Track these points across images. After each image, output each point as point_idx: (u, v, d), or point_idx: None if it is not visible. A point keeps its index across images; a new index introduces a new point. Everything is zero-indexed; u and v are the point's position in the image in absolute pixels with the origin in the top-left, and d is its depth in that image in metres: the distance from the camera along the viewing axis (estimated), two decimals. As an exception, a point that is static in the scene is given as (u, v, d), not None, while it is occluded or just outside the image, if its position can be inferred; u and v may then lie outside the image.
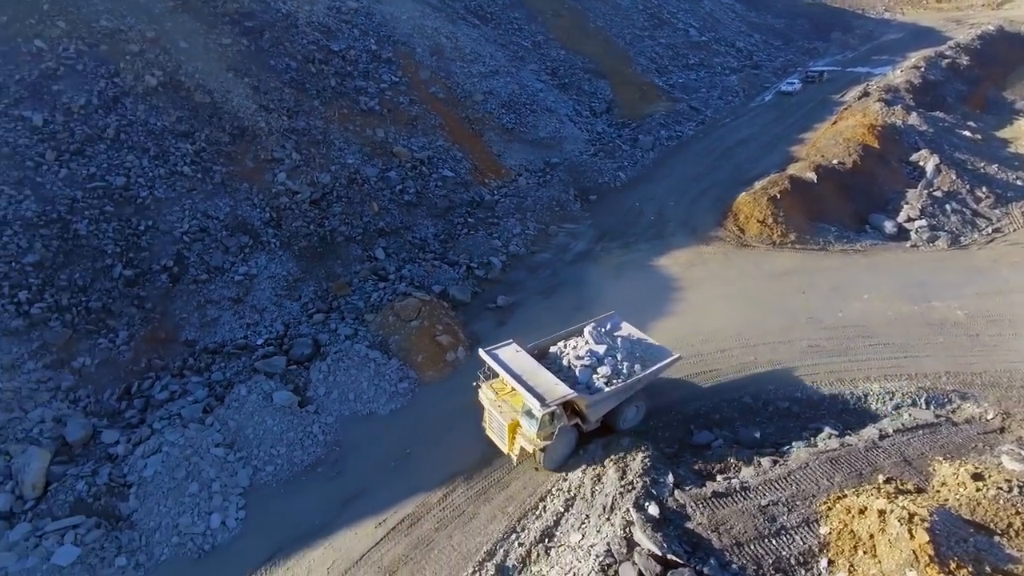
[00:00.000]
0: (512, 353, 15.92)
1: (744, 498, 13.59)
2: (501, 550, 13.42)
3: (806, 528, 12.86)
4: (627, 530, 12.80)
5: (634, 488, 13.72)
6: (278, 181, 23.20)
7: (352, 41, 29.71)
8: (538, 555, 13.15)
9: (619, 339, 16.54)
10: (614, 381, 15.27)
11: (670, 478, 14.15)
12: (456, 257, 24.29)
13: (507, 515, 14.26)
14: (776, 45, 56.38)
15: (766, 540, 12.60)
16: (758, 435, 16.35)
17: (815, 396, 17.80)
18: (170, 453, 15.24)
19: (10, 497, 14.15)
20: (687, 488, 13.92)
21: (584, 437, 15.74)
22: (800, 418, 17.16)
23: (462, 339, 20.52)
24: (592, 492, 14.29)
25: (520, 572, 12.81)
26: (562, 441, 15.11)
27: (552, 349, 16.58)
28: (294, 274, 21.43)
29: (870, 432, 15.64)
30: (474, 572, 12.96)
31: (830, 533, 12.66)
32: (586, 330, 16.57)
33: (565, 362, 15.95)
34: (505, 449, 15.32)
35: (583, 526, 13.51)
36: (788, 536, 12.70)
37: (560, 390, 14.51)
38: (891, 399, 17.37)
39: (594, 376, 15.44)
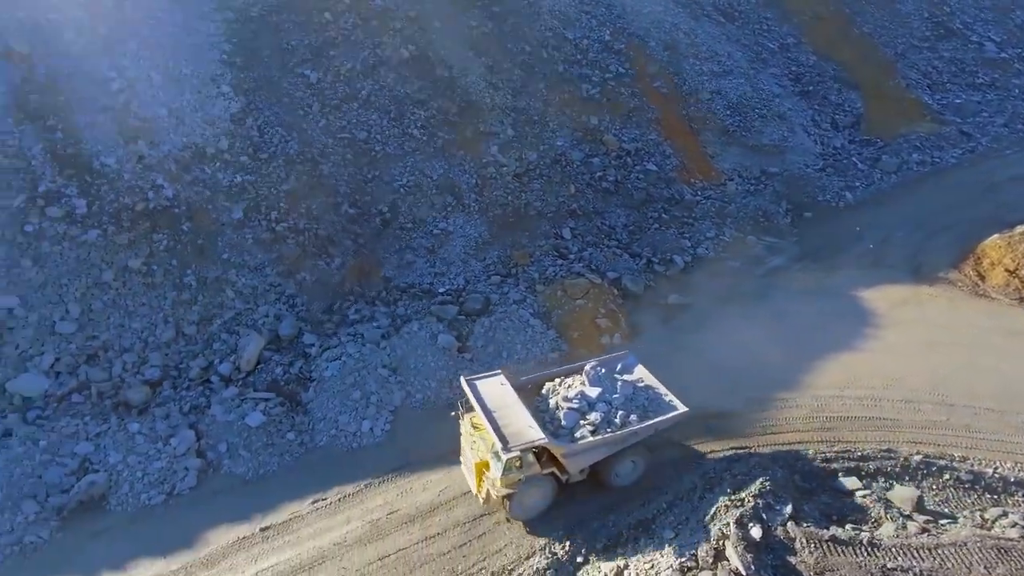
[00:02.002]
0: (495, 385, 14.53)
1: (868, 554, 12.25)
2: (596, 521, 13.77)
3: (930, 608, 11.27)
4: (720, 542, 12.37)
5: (743, 505, 13.11)
6: (490, 153, 25.37)
7: (587, 31, 30.89)
8: (626, 539, 13.27)
9: (620, 384, 14.63)
10: (604, 430, 13.54)
11: (788, 508, 13.24)
12: (640, 249, 24.43)
13: (615, 493, 14.49)
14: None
15: (873, 602, 11.32)
16: (918, 497, 14.40)
17: (1012, 478, 15.04)
18: (346, 363, 18.06)
19: (231, 366, 17.97)
20: (804, 524, 12.92)
21: (571, 488, 14.00)
22: (982, 495, 14.70)
23: (622, 327, 20.82)
24: (700, 498, 13.93)
25: (602, 550, 13.06)
26: (532, 492, 13.48)
27: (548, 385, 15.08)
28: (484, 237, 23.44)
29: (1067, 533, 12.90)
30: (563, 533, 13.51)
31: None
32: (585, 369, 14.93)
33: (552, 403, 14.39)
34: (473, 490, 14.06)
35: (679, 526, 13.30)
36: (902, 608, 11.26)
37: (531, 434, 12.97)
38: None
39: (581, 422, 13.78)
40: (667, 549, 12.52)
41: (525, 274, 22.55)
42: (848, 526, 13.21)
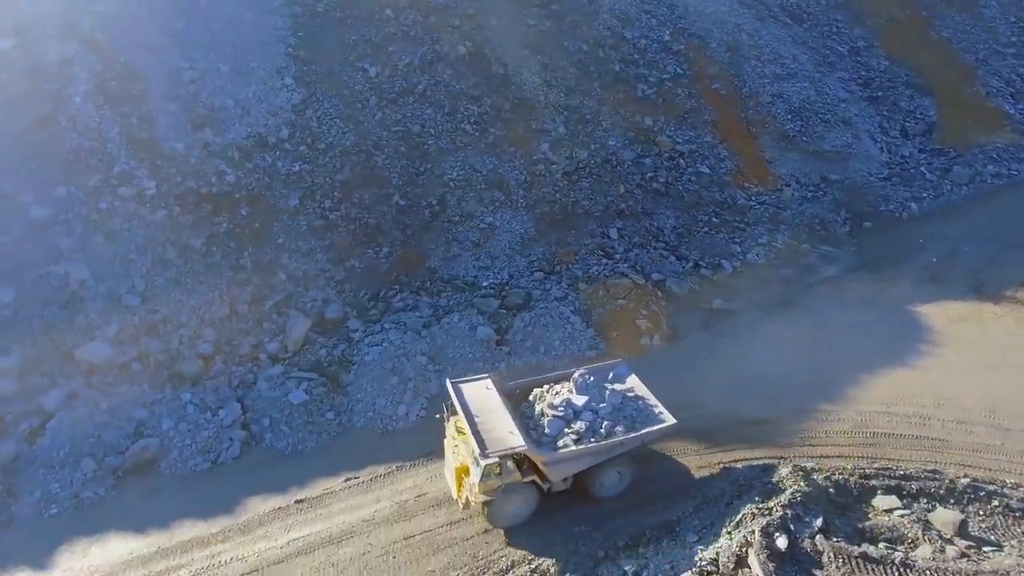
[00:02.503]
0: (480, 389, 14.25)
1: (899, 575, 11.83)
2: (621, 518, 13.78)
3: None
4: (743, 549, 12.18)
5: (771, 514, 12.85)
6: (541, 150, 25.52)
7: (646, 31, 30.62)
8: (648, 539, 13.23)
9: (608, 393, 14.24)
10: (588, 440, 13.22)
11: (818, 521, 12.89)
12: (687, 252, 24.11)
13: (642, 492, 14.45)
14: None
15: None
16: (961, 521, 13.76)
17: (1069, 509, 14.18)
18: (387, 349, 18.58)
19: (279, 346, 18.78)
20: (834, 539, 12.57)
21: (556, 498, 13.70)
22: (1032, 525, 13.92)
23: (663, 328, 20.65)
24: (728, 504, 13.73)
25: (624, 547, 13.06)
26: (512, 499, 13.22)
27: (536, 392, 14.73)
28: (530, 234, 23.61)
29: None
30: (586, 528, 13.58)
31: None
32: (573, 376, 14.57)
33: (538, 409, 14.10)
34: (453, 494, 13.80)
35: (703, 530, 13.16)
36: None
37: (511, 440, 12.66)
38: None
39: (566, 430, 13.47)
40: (688, 552, 12.42)
41: (568, 272, 22.61)
42: (881, 544, 12.76)
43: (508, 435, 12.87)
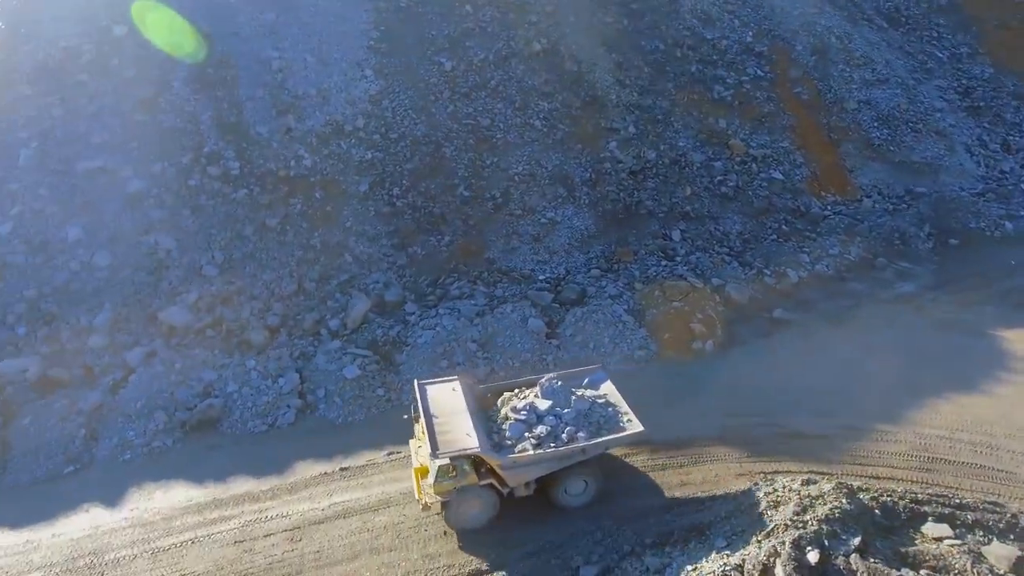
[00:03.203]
0: (446, 391, 14.15)
1: (939, 603, 11.29)
2: (652, 517, 13.76)
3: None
4: (771, 560, 11.93)
5: (805, 527, 12.51)
6: (608, 148, 25.53)
7: (728, 31, 29.94)
8: (676, 540, 13.17)
9: (574, 398, 13.92)
10: (548, 445, 12.99)
11: (856, 540, 12.42)
12: (752, 259, 23.49)
13: (676, 494, 14.39)
14: None
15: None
16: (1018, 557, 12.91)
17: None
18: (439, 333, 19.20)
19: (339, 323, 19.75)
20: (871, 560, 12.10)
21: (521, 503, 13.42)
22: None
23: (718, 335, 20.28)
24: (763, 513, 13.44)
25: (650, 545, 13.05)
26: (469, 502, 13.02)
27: (505, 395, 14.57)
28: (591, 231, 23.71)
29: None
30: (615, 523, 13.64)
31: None
32: (541, 381, 14.31)
33: (503, 413, 13.96)
34: (416, 494, 13.50)
35: (733, 536, 12.95)
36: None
37: (465, 442, 12.50)
38: None
39: (526, 435, 13.29)
40: (714, 556, 12.29)
41: (626, 271, 22.55)
42: (923, 572, 12.18)
43: (464, 437, 12.75)
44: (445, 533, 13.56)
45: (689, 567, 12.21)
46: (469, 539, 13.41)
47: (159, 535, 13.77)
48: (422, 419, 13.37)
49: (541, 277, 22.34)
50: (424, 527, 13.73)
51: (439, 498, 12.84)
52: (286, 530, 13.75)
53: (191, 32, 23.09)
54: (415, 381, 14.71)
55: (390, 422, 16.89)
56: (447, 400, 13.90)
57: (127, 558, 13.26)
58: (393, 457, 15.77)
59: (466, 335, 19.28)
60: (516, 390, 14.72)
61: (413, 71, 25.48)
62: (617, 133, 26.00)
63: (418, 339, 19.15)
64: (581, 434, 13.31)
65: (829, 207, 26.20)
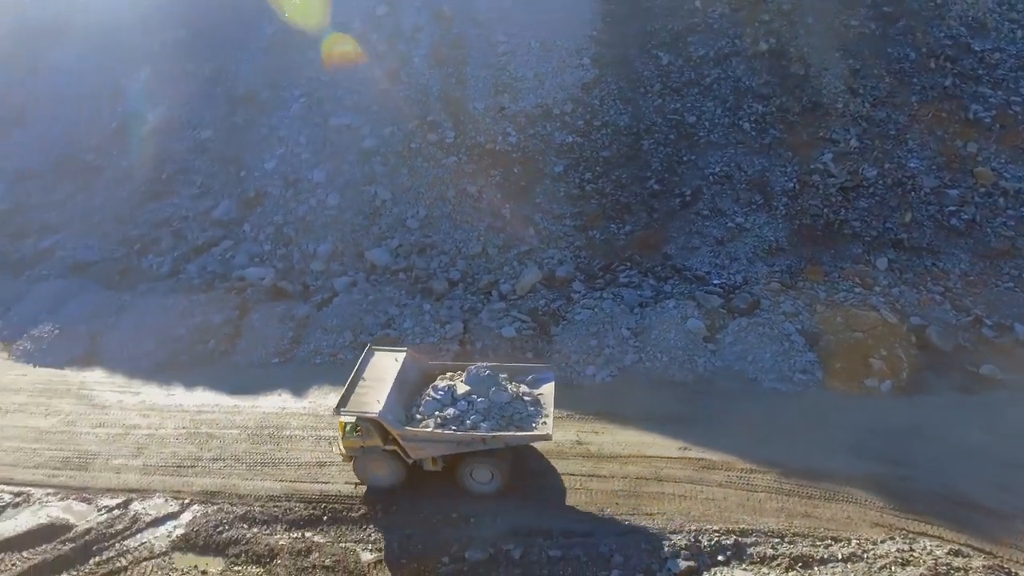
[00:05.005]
0: (388, 359, 14.74)
1: None
2: (751, 537, 13.27)
3: None
4: (876, 613, 10.93)
5: (930, 593, 11.20)
6: (821, 160, 23.75)
7: (1005, 43, 25.67)
8: (777, 563, 12.55)
9: (495, 390, 13.96)
10: (451, 427, 13.29)
11: (994, 628, 10.84)
12: (971, 304, 20.41)
13: (792, 519, 13.64)
14: None
15: None
16: None
17: None
18: (597, 314, 19.89)
19: (510, 287, 21.37)
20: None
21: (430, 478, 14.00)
22: None
23: (901, 378, 18.18)
24: (883, 568, 12.22)
25: (745, 559, 12.63)
26: (374, 462, 13.92)
27: (448, 374, 14.92)
28: (780, 243, 22.42)
29: None
30: (723, 528, 13.41)
31: None
32: (469, 367, 14.57)
33: (429, 389, 14.33)
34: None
35: (841, 579, 12.01)
36: None
37: (370, 406, 13.21)
38: None
39: (437, 413, 13.64)
40: (812, 590, 11.56)
41: (811, 291, 21.04)
42: None
43: (374, 402, 13.41)
44: (552, 491, 14.42)
45: (779, 594, 11.66)
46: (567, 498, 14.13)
47: (324, 426, 16.61)
48: (350, 379, 14.31)
49: (715, 281, 21.76)
50: (535, 476, 14.76)
51: (346, 452, 14.00)
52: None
53: (436, 15, 26.20)
54: (369, 345, 15.77)
55: (531, 384, 18.11)
56: (384, 367, 14.58)
57: (298, 437, 16.28)
58: (525, 415, 16.97)
59: (622, 322, 19.71)
60: (452, 372, 15.24)
61: (628, 63, 26.07)
62: (836, 145, 24.04)
63: (576, 316, 20.03)
64: (484, 424, 13.50)
65: (1098, 262, 21.58)
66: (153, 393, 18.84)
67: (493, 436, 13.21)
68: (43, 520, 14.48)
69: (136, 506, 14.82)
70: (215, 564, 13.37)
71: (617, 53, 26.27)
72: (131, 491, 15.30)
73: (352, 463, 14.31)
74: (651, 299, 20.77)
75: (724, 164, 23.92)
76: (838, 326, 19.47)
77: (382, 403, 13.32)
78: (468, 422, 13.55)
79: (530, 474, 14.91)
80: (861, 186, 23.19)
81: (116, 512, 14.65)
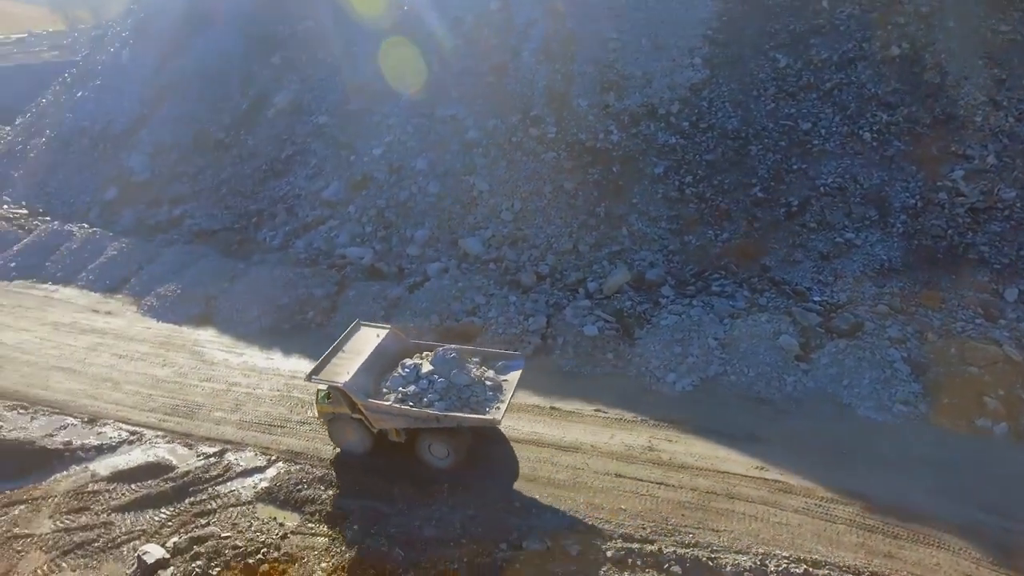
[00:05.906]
0: (371, 334, 15.66)
1: None
2: (823, 569, 12.53)
3: None
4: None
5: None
6: (950, 177, 21.86)
7: None
8: (849, 602, 11.80)
9: (455, 372, 14.51)
10: (408, 403, 14.11)
11: None
12: (1120, 348, 18.15)
13: (872, 558, 12.77)
14: None
15: None
16: None
17: None
18: (683, 321, 19.40)
19: (597, 286, 21.23)
20: None
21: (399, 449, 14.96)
22: None
23: (1019, 422, 16.47)
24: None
25: (817, 593, 11.96)
26: (344, 428, 15.12)
27: (424, 353, 15.64)
28: (893, 263, 20.86)
29: None
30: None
31: None
32: (437, 348, 15.37)
33: (399, 366, 15.08)
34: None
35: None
36: None
37: (339, 376, 14.20)
38: None
39: (400, 388, 14.46)
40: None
41: (923, 317, 19.45)
42: None
43: (344, 373, 14.38)
44: (617, 490, 14.29)
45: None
46: (630, 503, 13.93)
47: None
48: (328, 349, 15.30)
49: (816, 298, 20.57)
50: (603, 477, 14.66)
51: (320, 416, 15.43)
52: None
53: (550, 10, 26.35)
54: (356, 320, 16.78)
55: (610, 385, 17.98)
56: (364, 341, 15.56)
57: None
58: (598, 414, 16.86)
59: (710, 331, 19.10)
60: (426, 352, 15.92)
61: (743, 64, 25.09)
62: (969, 161, 22.03)
63: (661, 321, 19.62)
64: (439, 403, 14.17)
65: None
66: (255, 355, 20.35)
67: (445, 415, 13.97)
68: (151, 459, 16.13)
69: (230, 456, 16.13)
70: (292, 519, 14.31)
71: (731, 53, 25.35)
72: (227, 442, 16.68)
73: (327, 428, 15.60)
74: (743, 310, 19.97)
75: (838, 175, 22.53)
76: (951, 358, 17.89)
77: (351, 374, 14.31)
78: (425, 400, 14.32)
79: (595, 473, 14.88)
80: (995, 208, 21.13)
81: (212, 459, 16.02)
